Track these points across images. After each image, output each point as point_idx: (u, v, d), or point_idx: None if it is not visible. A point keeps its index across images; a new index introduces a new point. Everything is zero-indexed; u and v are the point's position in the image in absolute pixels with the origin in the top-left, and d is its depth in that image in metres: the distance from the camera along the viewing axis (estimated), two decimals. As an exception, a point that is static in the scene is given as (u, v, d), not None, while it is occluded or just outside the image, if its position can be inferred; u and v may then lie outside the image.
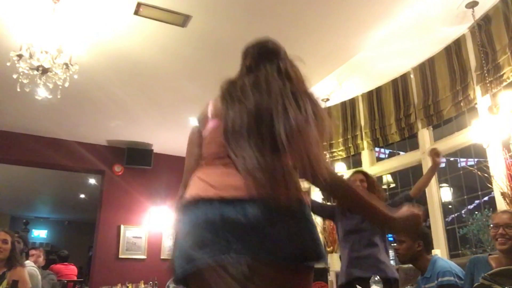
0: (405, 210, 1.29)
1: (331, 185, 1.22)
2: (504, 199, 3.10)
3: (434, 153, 2.80)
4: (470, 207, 4.90)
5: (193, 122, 5.16)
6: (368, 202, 1.27)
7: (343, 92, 5.02)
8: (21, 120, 5.31)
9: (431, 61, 4.21)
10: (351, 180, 3.06)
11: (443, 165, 4.40)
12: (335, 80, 4.71)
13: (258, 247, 1.07)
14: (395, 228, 1.35)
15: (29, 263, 3.56)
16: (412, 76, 4.44)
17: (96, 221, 6.07)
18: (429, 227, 4.02)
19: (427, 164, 4.16)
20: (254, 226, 1.08)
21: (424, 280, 2.44)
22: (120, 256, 5.87)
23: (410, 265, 2.69)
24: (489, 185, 3.30)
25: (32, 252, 4.64)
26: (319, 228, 5.02)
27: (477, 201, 4.82)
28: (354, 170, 3.39)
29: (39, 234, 12.09)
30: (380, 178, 4.76)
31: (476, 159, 3.84)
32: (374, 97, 4.86)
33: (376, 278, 2.06)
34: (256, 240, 1.07)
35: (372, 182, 3.03)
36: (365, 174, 3.09)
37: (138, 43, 3.77)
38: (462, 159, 4.13)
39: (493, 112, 3.18)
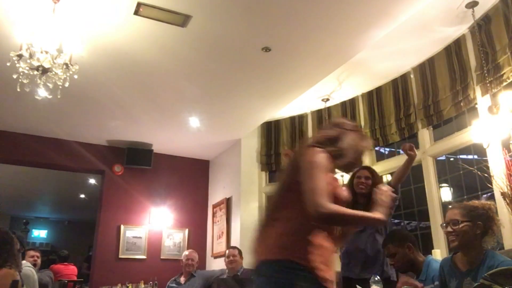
0: (378, 201, 1.70)
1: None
2: (504, 199, 3.10)
3: (408, 148, 2.91)
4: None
5: (193, 122, 5.16)
6: (358, 216, 1.64)
7: (343, 92, 5.02)
8: (21, 120, 5.31)
9: (431, 61, 4.21)
10: (357, 175, 3.08)
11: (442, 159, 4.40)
12: (335, 80, 4.72)
13: None
14: (386, 219, 1.67)
15: (25, 263, 3.55)
16: (412, 76, 4.44)
17: (96, 221, 6.07)
18: (428, 227, 4.02)
19: (427, 164, 4.17)
20: None
21: (420, 282, 2.44)
22: (120, 256, 5.86)
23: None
24: (489, 185, 3.30)
25: (31, 253, 4.64)
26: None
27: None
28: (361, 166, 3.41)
29: (39, 234, 12.09)
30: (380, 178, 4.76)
31: (475, 156, 3.83)
32: (374, 97, 4.86)
33: (376, 278, 2.06)
34: None
35: (377, 179, 3.06)
36: (371, 171, 3.11)
37: (138, 43, 3.77)
38: (462, 156, 4.12)
39: (493, 112, 3.17)
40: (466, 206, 2.12)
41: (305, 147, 1.73)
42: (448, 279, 2.12)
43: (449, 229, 2.07)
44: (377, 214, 1.63)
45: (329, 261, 1.56)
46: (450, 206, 2.30)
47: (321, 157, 1.61)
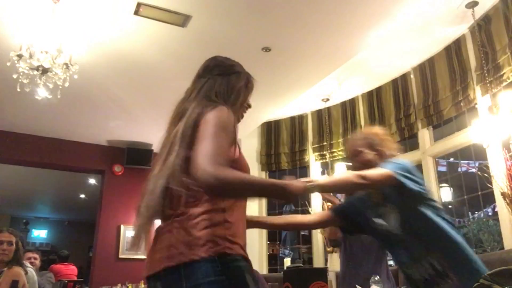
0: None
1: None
2: (504, 199, 3.10)
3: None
4: (476, 214, 4.88)
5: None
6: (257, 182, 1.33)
7: (343, 92, 5.02)
8: (21, 120, 5.31)
9: (431, 61, 4.21)
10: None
11: (444, 168, 4.41)
12: (335, 80, 4.72)
13: None
14: (290, 194, 1.24)
15: (25, 264, 3.55)
16: (412, 76, 4.44)
17: (96, 221, 6.07)
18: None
19: (427, 164, 4.17)
20: None
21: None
22: (120, 256, 5.86)
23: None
24: (489, 185, 3.30)
25: (29, 254, 4.63)
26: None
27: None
28: None
29: (39, 234, 12.08)
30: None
31: (477, 162, 3.84)
32: (374, 97, 4.86)
33: (376, 278, 2.06)
34: None
35: None
36: None
37: (138, 43, 3.77)
38: (463, 161, 4.12)
39: (493, 112, 3.18)
40: None
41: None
42: None
43: None
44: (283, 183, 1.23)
45: None
46: None
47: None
